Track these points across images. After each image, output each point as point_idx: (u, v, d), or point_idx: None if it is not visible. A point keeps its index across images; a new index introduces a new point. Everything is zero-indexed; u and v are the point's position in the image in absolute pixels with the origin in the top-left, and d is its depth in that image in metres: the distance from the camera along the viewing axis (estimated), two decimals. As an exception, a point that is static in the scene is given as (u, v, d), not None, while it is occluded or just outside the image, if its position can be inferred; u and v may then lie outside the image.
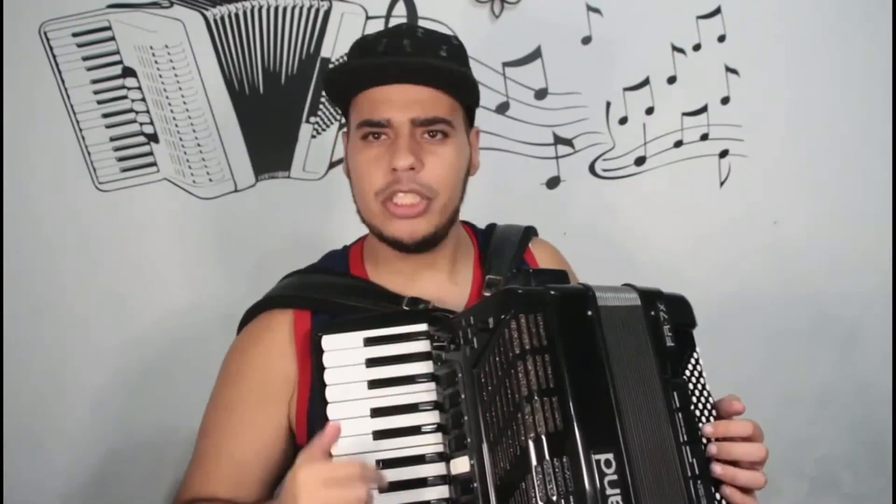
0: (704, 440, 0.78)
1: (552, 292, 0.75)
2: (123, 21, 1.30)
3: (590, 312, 0.76)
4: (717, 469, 0.77)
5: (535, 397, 0.70)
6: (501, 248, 1.01)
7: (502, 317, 0.73)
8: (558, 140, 1.44)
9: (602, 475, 0.69)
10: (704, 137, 1.49)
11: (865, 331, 1.58)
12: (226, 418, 0.88)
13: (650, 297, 0.81)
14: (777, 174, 1.51)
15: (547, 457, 0.68)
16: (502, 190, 1.41)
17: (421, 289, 0.92)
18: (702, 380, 0.81)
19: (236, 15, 1.32)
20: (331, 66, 0.97)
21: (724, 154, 1.50)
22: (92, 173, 1.34)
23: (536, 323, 0.73)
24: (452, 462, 0.77)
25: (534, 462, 0.68)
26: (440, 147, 0.88)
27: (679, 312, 0.83)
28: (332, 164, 1.39)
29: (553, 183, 1.46)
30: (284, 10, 1.33)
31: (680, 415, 0.77)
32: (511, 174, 1.43)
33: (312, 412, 0.85)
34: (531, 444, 0.69)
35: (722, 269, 1.52)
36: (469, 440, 0.75)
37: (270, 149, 1.37)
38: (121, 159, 1.34)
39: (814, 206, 1.53)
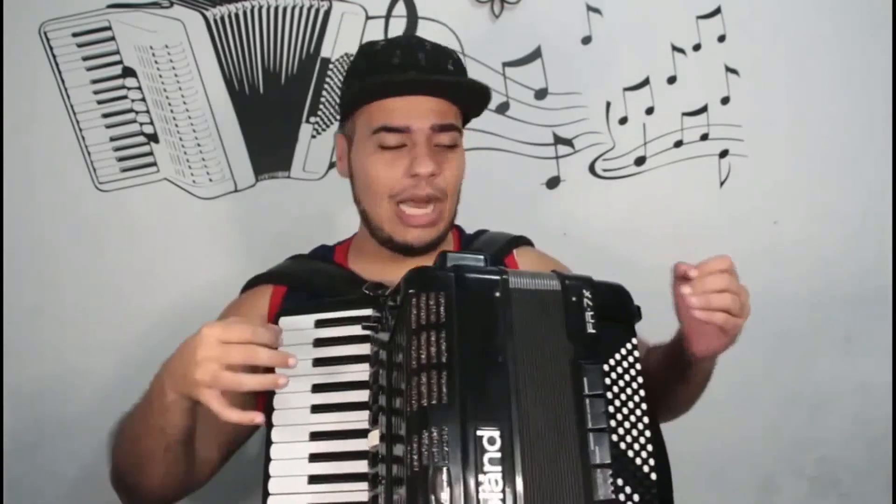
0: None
1: (452, 273, 0.77)
2: (123, 21, 1.30)
3: (497, 294, 0.77)
4: (694, 300, 0.80)
5: (424, 371, 0.72)
6: (483, 250, 1.03)
7: (409, 292, 0.76)
8: (558, 140, 1.44)
9: (482, 451, 0.69)
10: (704, 137, 1.49)
11: (865, 331, 1.58)
12: None
13: (575, 285, 0.81)
14: (777, 174, 1.51)
15: (429, 427, 0.70)
16: (503, 190, 1.41)
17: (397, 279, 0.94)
18: (631, 371, 0.80)
19: (236, 15, 1.32)
20: (349, 70, 1.00)
21: (724, 154, 1.50)
22: (92, 173, 1.34)
23: (438, 301, 0.75)
24: (369, 435, 0.80)
25: (414, 431, 0.70)
26: (451, 154, 0.95)
27: (608, 302, 0.82)
28: (332, 165, 1.39)
29: (553, 183, 1.46)
30: (284, 10, 1.33)
31: (589, 401, 0.76)
32: (511, 174, 1.43)
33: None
34: (414, 415, 0.71)
35: (722, 269, 1.52)
36: (381, 415, 0.78)
37: (270, 149, 1.37)
38: (121, 159, 1.34)
39: (814, 206, 1.53)
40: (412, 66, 0.93)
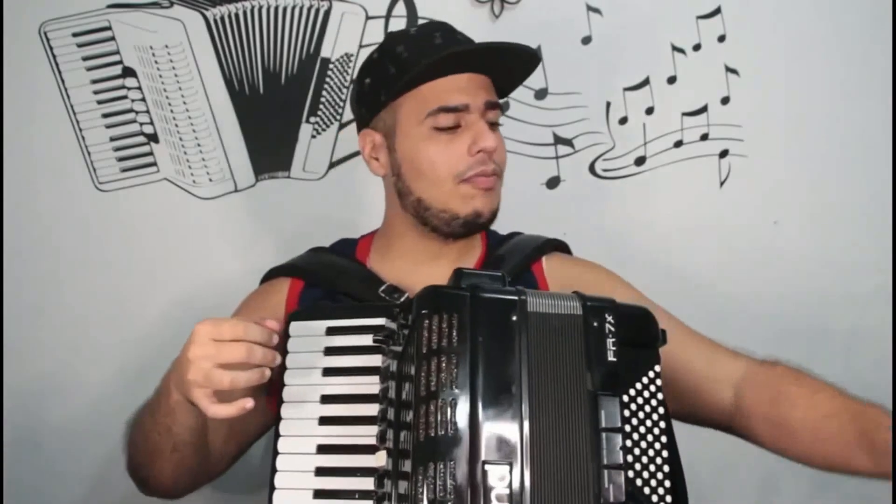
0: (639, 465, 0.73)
1: (468, 293, 0.74)
2: (123, 21, 1.30)
3: (514, 317, 0.74)
4: None
5: (433, 399, 0.69)
6: (509, 256, 1.01)
7: (421, 312, 0.73)
8: (558, 140, 1.44)
9: (490, 487, 0.67)
10: (704, 137, 1.49)
11: (865, 331, 1.58)
12: None
13: (597, 309, 0.77)
14: (777, 174, 1.51)
15: (436, 460, 0.67)
16: (502, 190, 1.41)
17: (419, 281, 0.92)
18: (653, 401, 0.76)
19: (236, 15, 1.32)
20: (378, 60, 0.97)
21: (724, 154, 1.50)
22: (92, 173, 1.34)
23: (451, 323, 0.72)
24: (376, 455, 0.77)
25: (420, 463, 0.68)
26: (497, 133, 0.95)
27: (631, 327, 0.78)
28: (332, 164, 1.39)
29: (553, 183, 1.46)
30: (284, 10, 1.33)
31: (605, 435, 0.72)
32: (511, 174, 1.42)
33: (279, 385, 0.86)
34: (421, 446, 0.68)
35: (722, 270, 1.52)
36: (389, 434, 0.76)
37: (270, 149, 1.37)
38: (121, 159, 1.34)
39: (814, 206, 1.53)
40: (455, 44, 0.92)
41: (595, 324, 0.76)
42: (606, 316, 0.77)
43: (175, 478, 0.87)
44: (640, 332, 0.79)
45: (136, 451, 0.89)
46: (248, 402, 0.74)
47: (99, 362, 1.36)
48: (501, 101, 0.98)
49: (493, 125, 0.94)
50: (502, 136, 0.97)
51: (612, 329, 0.77)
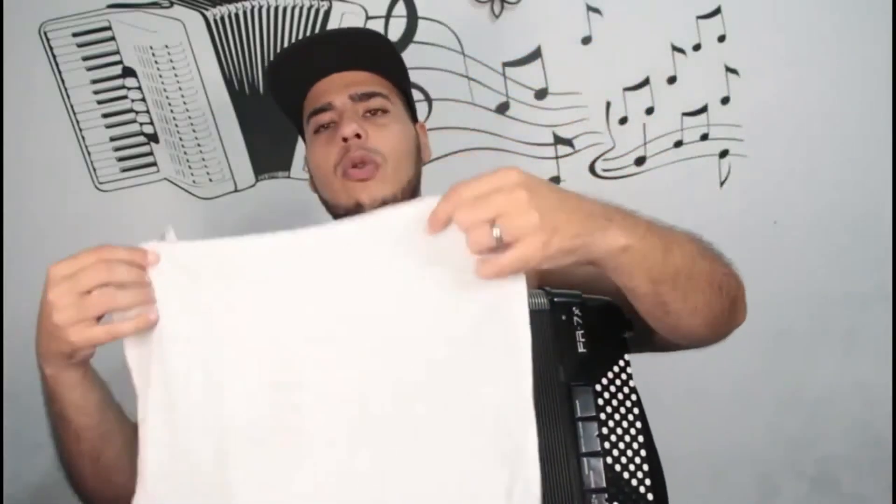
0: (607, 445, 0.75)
1: None
2: (123, 21, 1.30)
3: None
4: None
5: None
6: None
7: None
8: (558, 140, 1.44)
9: None
10: (704, 137, 1.49)
11: (865, 331, 1.58)
12: None
13: (564, 303, 0.79)
14: (777, 174, 1.51)
15: None
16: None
17: None
18: (625, 389, 0.77)
19: (236, 15, 1.32)
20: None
21: (724, 154, 1.50)
22: (92, 173, 1.34)
23: None
24: None
25: None
26: (382, 119, 0.96)
27: (599, 318, 0.80)
28: (332, 164, 1.39)
29: (553, 183, 1.46)
30: (284, 10, 1.33)
31: (582, 424, 0.74)
32: (511, 174, 1.43)
33: None
34: None
35: (722, 269, 1.52)
36: None
37: (270, 149, 1.37)
38: (121, 159, 1.34)
39: (814, 206, 1.53)
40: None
41: (563, 317, 0.78)
42: (574, 309, 0.79)
43: (97, 478, 0.80)
44: (608, 323, 0.80)
45: (60, 460, 0.84)
46: (152, 314, 0.71)
47: (98, 362, 1.36)
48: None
49: (381, 113, 0.96)
50: (394, 124, 0.96)
51: (580, 321, 0.78)
